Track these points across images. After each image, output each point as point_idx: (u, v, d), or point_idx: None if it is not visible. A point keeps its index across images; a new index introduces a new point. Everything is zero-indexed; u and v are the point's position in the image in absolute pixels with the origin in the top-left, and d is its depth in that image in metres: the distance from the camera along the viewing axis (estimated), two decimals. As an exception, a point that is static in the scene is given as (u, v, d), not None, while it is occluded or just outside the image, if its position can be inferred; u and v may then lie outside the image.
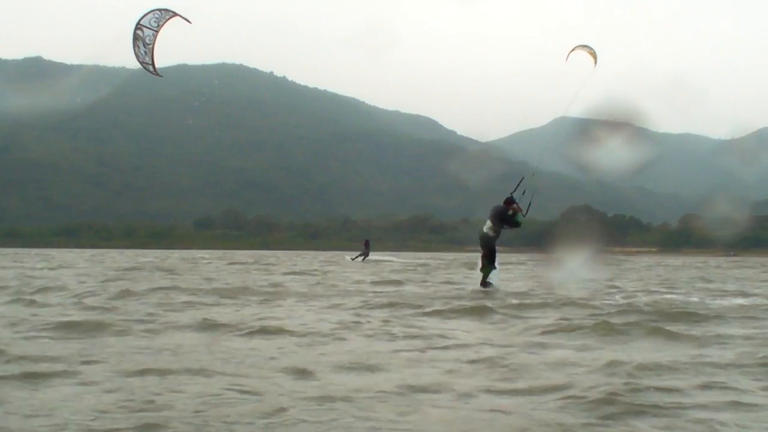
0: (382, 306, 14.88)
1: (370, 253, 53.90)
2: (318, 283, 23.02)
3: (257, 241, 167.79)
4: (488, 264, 19.75)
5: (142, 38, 15.58)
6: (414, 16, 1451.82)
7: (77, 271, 31.69)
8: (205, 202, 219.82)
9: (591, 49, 24.86)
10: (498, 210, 19.69)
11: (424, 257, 78.81)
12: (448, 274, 32.35)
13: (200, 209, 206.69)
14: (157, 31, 15.52)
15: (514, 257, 61.75)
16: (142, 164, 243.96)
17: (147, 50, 15.75)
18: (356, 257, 52.70)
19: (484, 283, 19.69)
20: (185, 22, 15.73)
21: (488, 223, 19.75)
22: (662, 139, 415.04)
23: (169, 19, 15.65)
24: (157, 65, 16.05)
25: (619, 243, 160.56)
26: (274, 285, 21.73)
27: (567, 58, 24.54)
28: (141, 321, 11.97)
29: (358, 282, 24.33)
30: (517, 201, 19.88)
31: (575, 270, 19.15)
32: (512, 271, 33.58)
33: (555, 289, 18.60)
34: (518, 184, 20.25)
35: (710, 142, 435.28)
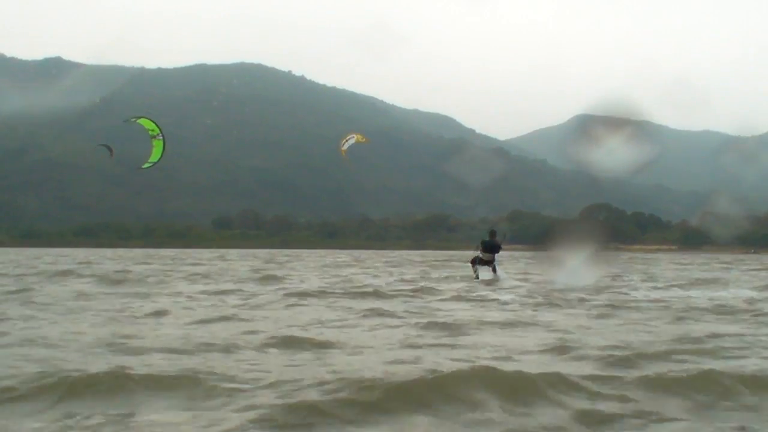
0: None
1: None
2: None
3: (275, 241, 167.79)
4: (481, 268, 27.46)
5: None
6: (430, 15, 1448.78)
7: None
8: (223, 202, 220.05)
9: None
10: (493, 244, 27.50)
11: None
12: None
13: (218, 209, 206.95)
14: None
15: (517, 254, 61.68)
16: (160, 164, 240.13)
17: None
18: None
19: (477, 277, 27.09)
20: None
21: (488, 255, 27.51)
22: (681, 137, 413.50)
23: None
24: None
25: (639, 240, 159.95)
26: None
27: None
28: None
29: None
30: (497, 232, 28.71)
31: (575, 270, 19.48)
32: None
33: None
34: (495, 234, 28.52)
35: (730, 139, 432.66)
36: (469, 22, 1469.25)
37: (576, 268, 20.11)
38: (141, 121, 28.44)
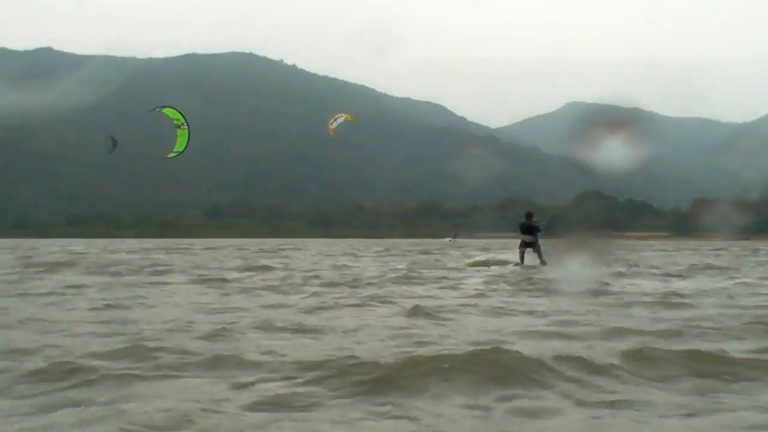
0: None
1: None
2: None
3: (267, 230, 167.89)
4: (526, 254, 27.52)
5: None
6: (423, 4, 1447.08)
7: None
8: (214, 191, 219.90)
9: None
10: (530, 226, 27.58)
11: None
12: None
13: (210, 198, 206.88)
14: None
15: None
16: (151, 154, 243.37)
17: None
18: None
19: (522, 262, 27.32)
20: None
21: (528, 237, 27.45)
22: (673, 124, 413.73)
23: None
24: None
25: (631, 228, 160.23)
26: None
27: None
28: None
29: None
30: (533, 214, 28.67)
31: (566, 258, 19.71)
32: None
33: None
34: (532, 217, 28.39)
35: (722, 126, 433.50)
36: (461, 12, 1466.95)
37: (567, 255, 20.29)
38: (166, 110, 28.35)
